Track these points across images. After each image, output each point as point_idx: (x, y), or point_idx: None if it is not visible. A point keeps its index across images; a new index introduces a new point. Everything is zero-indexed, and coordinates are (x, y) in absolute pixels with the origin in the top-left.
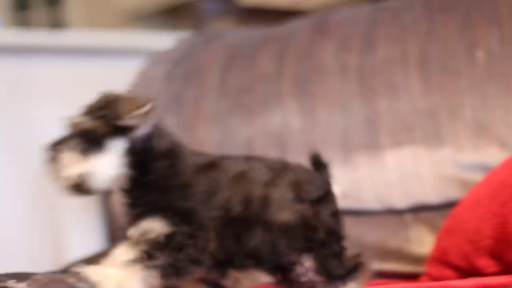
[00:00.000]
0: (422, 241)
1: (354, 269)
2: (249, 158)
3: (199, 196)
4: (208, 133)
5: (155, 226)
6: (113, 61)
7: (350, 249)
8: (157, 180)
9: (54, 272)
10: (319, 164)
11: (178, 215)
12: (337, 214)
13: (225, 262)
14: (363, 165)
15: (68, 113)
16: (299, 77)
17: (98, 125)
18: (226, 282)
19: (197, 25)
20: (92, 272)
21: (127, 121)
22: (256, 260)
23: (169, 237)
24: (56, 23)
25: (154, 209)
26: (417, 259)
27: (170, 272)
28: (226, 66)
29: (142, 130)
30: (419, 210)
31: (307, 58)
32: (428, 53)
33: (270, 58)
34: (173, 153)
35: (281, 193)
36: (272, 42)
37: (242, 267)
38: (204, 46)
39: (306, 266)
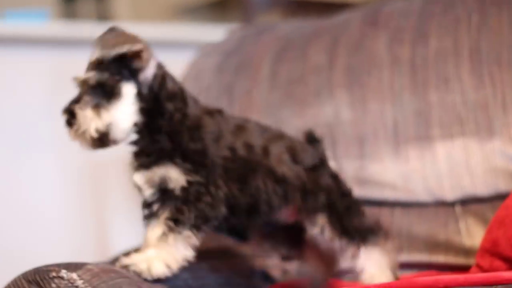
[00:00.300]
0: (472, 233)
1: (373, 230)
2: (248, 119)
3: (209, 136)
4: None
5: (171, 174)
6: (161, 54)
7: (400, 241)
8: (167, 124)
9: (104, 263)
10: (312, 140)
11: (191, 159)
12: (336, 177)
13: (233, 210)
14: (414, 157)
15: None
16: (350, 68)
17: (107, 77)
18: (274, 272)
19: (245, 18)
20: (136, 260)
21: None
22: (256, 204)
23: (185, 189)
24: (104, 16)
25: (168, 154)
26: (467, 251)
27: (199, 223)
28: (278, 58)
29: (147, 72)
30: (469, 202)
31: (359, 50)
32: (480, 45)
33: (321, 50)
34: (180, 96)
35: (279, 151)
36: (323, 34)
37: (247, 214)
38: (255, 38)
39: (320, 223)
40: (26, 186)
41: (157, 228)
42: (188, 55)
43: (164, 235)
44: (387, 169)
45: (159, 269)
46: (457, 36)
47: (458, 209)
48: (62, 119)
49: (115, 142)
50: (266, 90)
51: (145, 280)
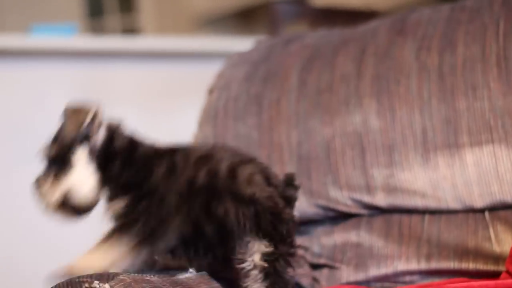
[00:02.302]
0: (502, 240)
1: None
2: (215, 146)
3: (159, 175)
4: (288, 134)
5: (118, 203)
6: (187, 65)
7: (429, 249)
8: (118, 172)
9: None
10: (290, 183)
11: (138, 193)
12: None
13: (193, 238)
14: (443, 164)
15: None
16: (378, 77)
17: (58, 150)
18: (304, 280)
19: (272, 28)
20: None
21: (76, 135)
22: (226, 228)
23: (129, 208)
24: (130, 29)
25: (119, 194)
26: (496, 258)
27: (145, 237)
28: (306, 67)
29: (98, 135)
30: (499, 209)
31: (387, 58)
32: (508, 52)
33: (349, 59)
34: (131, 146)
35: (249, 172)
36: (351, 42)
37: (210, 243)
38: (283, 48)
39: (258, 248)
40: None
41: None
42: (215, 66)
43: (106, 239)
44: (416, 177)
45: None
46: (484, 43)
47: (487, 216)
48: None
49: (79, 207)
50: (294, 100)
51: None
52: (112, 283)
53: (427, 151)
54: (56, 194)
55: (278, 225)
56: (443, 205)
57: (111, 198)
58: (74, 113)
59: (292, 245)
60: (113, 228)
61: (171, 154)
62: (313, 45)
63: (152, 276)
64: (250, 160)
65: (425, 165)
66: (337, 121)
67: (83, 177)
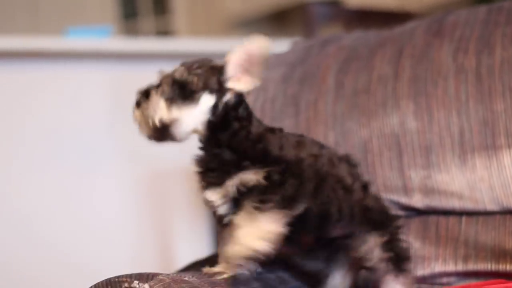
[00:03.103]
0: None
1: (409, 258)
2: (302, 135)
3: (272, 147)
4: (325, 135)
5: (246, 177)
6: None
7: (466, 250)
8: (230, 139)
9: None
10: (349, 163)
11: (265, 162)
12: (380, 199)
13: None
14: (480, 166)
15: None
16: (415, 78)
17: (194, 79)
18: None
19: (306, 30)
20: (233, 248)
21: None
22: (328, 213)
23: (266, 177)
24: (163, 31)
25: (235, 165)
26: None
27: (286, 204)
28: (343, 69)
29: (231, 97)
30: None
31: (424, 60)
32: None
33: (386, 60)
34: (247, 118)
35: (342, 164)
36: (388, 44)
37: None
38: (319, 49)
39: (373, 243)
40: (89, 197)
41: (242, 212)
42: None
43: (250, 214)
44: (453, 178)
45: (256, 244)
46: None
47: None
48: (136, 96)
49: (173, 138)
50: (332, 101)
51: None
52: (152, 283)
53: (465, 152)
54: (164, 116)
55: (375, 208)
56: (480, 206)
57: (226, 174)
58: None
59: (394, 219)
60: (257, 203)
61: (276, 131)
62: (350, 47)
63: (191, 276)
64: (335, 152)
65: (462, 166)
66: (374, 123)
67: (195, 119)
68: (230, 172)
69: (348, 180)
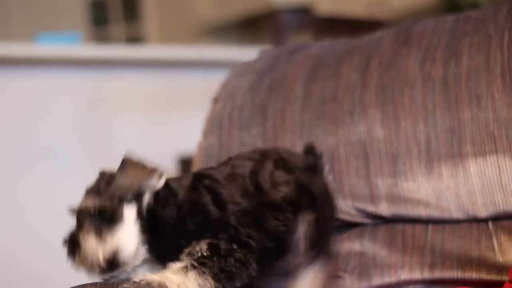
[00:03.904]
0: (505, 250)
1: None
2: (229, 159)
3: (209, 204)
4: (292, 143)
5: (199, 246)
6: (191, 74)
7: (432, 258)
8: (170, 224)
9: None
10: (310, 154)
11: (210, 228)
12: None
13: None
14: (447, 174)
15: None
16: (383, 87)
17: (107, 201)
18: None
19: (276, 37)
20: (153, 277)
21: (136, 189)
22: (279, 242)
23: (213, 247)
24: (134, 38)
25: (185, 245)
26: (500, 268)
27: (223, 277)
28: (310, 77)
29: (150, 193)
30: (502, 219)
31: (391, 69)
32: None
33: (354, 69)
34: (170, 194)
35: (269, 173)
36: (356, 52)
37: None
38: (288, 57)
39: (302, 228)
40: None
41: (180, 262)
42: (218, 75)
43: (185, 268)
44: (420, 186)
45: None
46: (489, 54)
47: (490, 225)
48: (64, 247)
49: (123, 265)
50: (299, 109)
51: None
52: None
53: (431, 161)
54: (104, 252)
55: (312, 198)
56: (446, 214)
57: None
58: (134, 167)
59: (331, 206)
60: (196, 262)
61: (199, 184)
62: (318, 55)
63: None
64: (263, 157)
65: (428, 175)
66: (342, 131)
67: (130, 236)
68: (182, 247)
69: (281, 192)
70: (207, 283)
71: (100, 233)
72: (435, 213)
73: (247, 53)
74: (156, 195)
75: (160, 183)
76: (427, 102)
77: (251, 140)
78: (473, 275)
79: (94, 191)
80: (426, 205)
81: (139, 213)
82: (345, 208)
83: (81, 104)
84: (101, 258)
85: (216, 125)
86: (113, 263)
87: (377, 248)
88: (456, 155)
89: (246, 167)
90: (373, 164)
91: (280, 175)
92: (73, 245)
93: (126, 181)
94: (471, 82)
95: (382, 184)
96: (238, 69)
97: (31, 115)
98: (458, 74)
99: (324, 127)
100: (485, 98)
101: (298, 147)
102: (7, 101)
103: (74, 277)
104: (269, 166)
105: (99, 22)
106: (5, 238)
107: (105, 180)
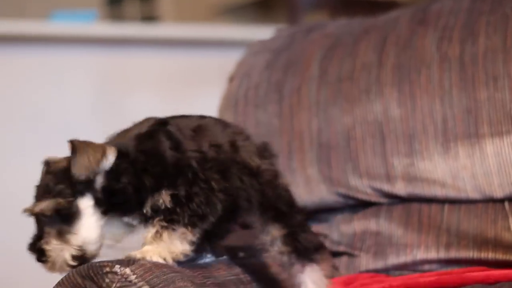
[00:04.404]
0: None
1: (319, 248)
2: (203, 116)
3: (166, 149)
4: (308, 121)
5: (160, 200)
6: (207, 53)
7: (448, 238)
8: (130, 183)
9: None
10: (265, 152)
11: (168, 176)
12: (289, 190)
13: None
14: (463, 154)
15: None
16: (399, 66)
17: (60, 199)
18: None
19: (291, 17)
20: (131, 254)
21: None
22: (235, 203)
23: (174, 197)
24: (148, 17)
25: (145, 195)
26: None
27: (194, 221)
28: (327, 56)
29: (102, 175)
30: None
31: (408, 48)
32: None
33: (370, 48)
34: (123, 160)
35: (246, 143)
36: (372, 32)
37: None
38: (304, 36)
39: (274, 235)
40: None
41: (151, 229)
42: (233, 54)
43: (157, 233)
44: (436, 166)
45: (154, 260)
46: (506, 33)
47: (507, 206)
48: (30, 255)
49: (93, 256)
50: (315, 88)
51: None
52: (133, 267)
53: (448, 140)
54: (71, 252)
55: (279, 201)
56: (462, 194)
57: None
58: (87, 150)
59: (300, 211)
60: (165, 222)
61: (155, 133)
62: (334, 34)
63: None
64: (240, 132)
65: (445, 154)
66: (358, 110)
67: (92, 225)
68: (144, 201)
69: (254, 161)
70: (184, 235)
71: (61, 234)
72: (451, 193)
73: (262, 33)
74: (109, 172)
75: (112, 159)
76: (444, 82)
77: (266, 118)
78: (489, 255)
79: (44, 189)
80: (443, 185)
81: (95, 198)
82: (361, 187)
83: (96, 82)
84: (69, 258)
85: (231, 103)
86: (82, 258)
87: (393, 228)
88: (473, 135)
89: (221, 132)
90: (389, 143)
91: (254, 152)
92: (39, 252)
93: (82, 166)
94: (488, 62)
95: (398, 164)
96: (254, 48)
97: (46, 93)
98: (475, 54)
99: (340, 106)
100: (502, 78)
101: (314, 126)
102: (22, 79)
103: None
104: (246, 138)
105: (114, 1)
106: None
107: (52, 173)
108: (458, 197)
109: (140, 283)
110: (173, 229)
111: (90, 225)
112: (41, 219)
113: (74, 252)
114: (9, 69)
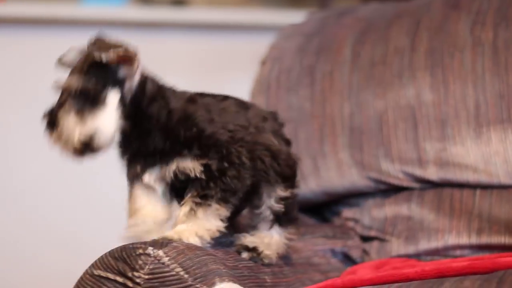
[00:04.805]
0: None
1: (292, 218)
2: (226, 96)
3: (201, 121)
4: (340, 106)
5: (184, 165)
6: (238, 37)
7: (480, 223)
8: (155, 125)
9: None
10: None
11: (196, 145)
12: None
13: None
14: (495, 139)
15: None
16: (432, 51)
17: (92, 82)
18: (354, 252)
19: (321, 2)
20: (166, 234)
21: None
22: (257, 184)
23: (207, 169)
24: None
25: (170, 150)
26: None
27: (226, 196)
28: (359, 40)
29: (133, 80)
30: None
31: (441, 32)
32: None
33: (403, 32)
34: (160, 96)
35: (265, 125)
36: (405, 16)
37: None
38: (336, 20)
39: (277, 194)
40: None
41: (184, 206)
42: (264, 39)
43: (191, 210)
44: (468, 151)
45: (191, 240)
46: None
47: None
48: (42, 121)
49: (98, 149)
50: (347, 72)
51: None
52: (166, 249)
53: (480, 125)
54: (81, 131)
55: (292, 169)
56: (494, 180)
57: (161, 158)
58: (114, 42)
59: (297, 186)
60: (198, 198)
61: (197, 100)
62: (367, 18)
63: None
64: (259, 110)
65: (477, 139)
66: (390, 94)
67: (111, 120)
68: (165, 156)
69: (274, 142)
70: (218, 211)
71: (81, 113)
72: (483, 178)
73: (292, 17)
74: (141, 86)
75: (138, 72)
76: (477, 67)
77: (298, 102)
78: None
79: (80, 70)
80: (475, 170)
81: (121, 99)
82: (393, 172)
83: None
84: (76, 138)
85: (264, 87)
86: (88, 146)
87: (425, 213)
88: (506, 120)
89: (243, 113)
90: (421, 128)
91: (270, 132)
92: (52, 120)
93: (108, 59)
94: None
95: (430, 148)
96: (286, 32)
97: None
98: (509, 38)
99: (373, 90)
100: None
101: (346, 110)
102: (53, 63)
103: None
104: (267, 128)
105: None
106: (44, 200)
107: (89, 61)
108: (490, 182)
109: (173, 265)
110: (209, 205)
111: (109, 117)
112: (66, 94)
113: (83, 136)
114: (40, 52)
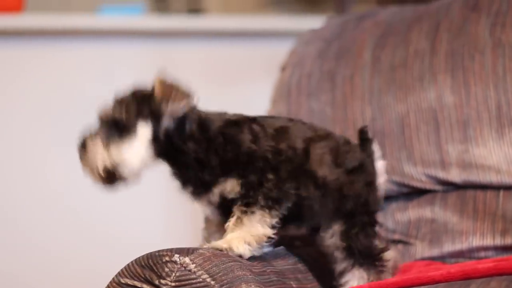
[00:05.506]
0: None
1: (378, 255)
2: (291, 119)
3: (245, 141)
4: (361, 110)
5: (228, 188)
6: (255, 44)
7: (504, 224)
8: (195, 157)
9: None
10: (364, 138)
11: (238, 163)
12: (371, 185)
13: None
14: None
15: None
16: (452, 53)
17: (124, 112)
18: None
19: (338, 7)
20: (216, 243)
21: (162, 109)
22: (300, 210)
23: (243, 184)
24: (195, 9)
25: (212, 177)
26: None
27: (269, 204)
28: (379, 43)
29: (169, 120)
30: None
31: (461, 34)
32: None
33: (423, 35)
34: (199, 127)
35: (321, 152)
36: (424, 18)
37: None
38: (355, 24)
39: (334, 229)
40: None
41: (232, 216)
42: (282, 45)
43: (238, 219)
44: (491, 152)
45: (240, 248)
46: None
47: None
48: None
49: (123, 180)
50: (368, 76)
51: None
52: (192, 256)
53: (502, 126)
54: (105, 161)
55: (345, 203)
56: None
57: (206, 185)
58: (166, 86)
59: (368, 212)
60: (243, 206)
61: (242, 124)
62: (386, 22)
63: None
64: (322, 137)
65: (500, 140)
66: (411, 97)
67: (138, 153)
68: (208, 185)
69: (322, 171)
70: (263, 218)
71: (108, 142)
72: (506, 179)
73: (310, 23)
74: (180, 121)
75: (184, 109)
76: (498, 68)
77: (319, 107)
78: None
79: (118, 100)
80: (498, 171)
81: (155, 134)
82: (416, 174)
83: (143, 75)
84: (101, 166)
85: (284, 93)
86: (112, 174)
87: (448, 215)
88: None
89: (302, 133)
90: (443, 130)
91: (328, 160)
92: (83, 146)
93: (157, 95)
94: None
95: (452, 150)
96: (305, 37)
97: (94, 85)
98: None
99: (394, 93)
100: None
101: (368, 114)
102: (71, 72)
103: None
104: (323, 146)
105: None
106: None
107: (133, 95)
108: None
109: (200, 272)
110: (252, 212)
111: (137, 150)
112: (101, 122)
113: (109, 165)
114: (58, 62)
